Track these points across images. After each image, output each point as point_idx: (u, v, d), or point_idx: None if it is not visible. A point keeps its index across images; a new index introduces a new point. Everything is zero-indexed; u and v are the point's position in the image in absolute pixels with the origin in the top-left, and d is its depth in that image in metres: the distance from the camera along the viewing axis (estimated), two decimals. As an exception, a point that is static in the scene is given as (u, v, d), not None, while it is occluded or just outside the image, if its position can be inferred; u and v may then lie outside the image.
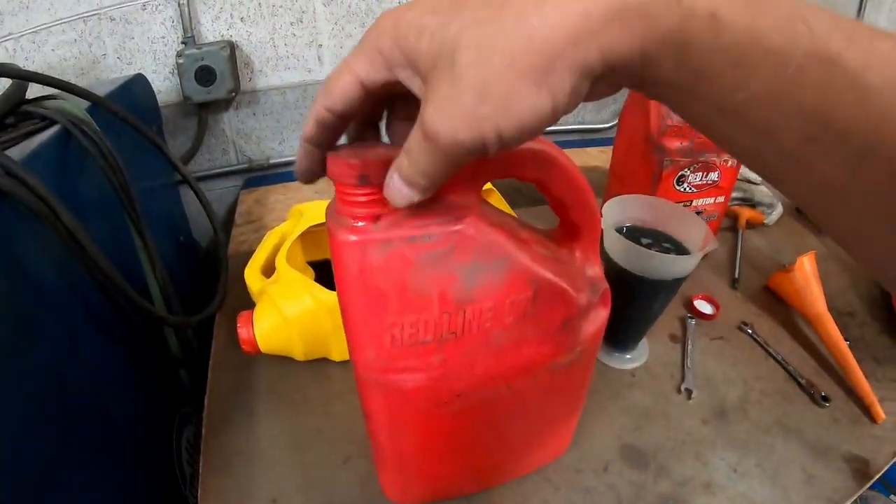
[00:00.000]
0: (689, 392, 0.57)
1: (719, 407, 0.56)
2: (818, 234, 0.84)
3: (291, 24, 0.90)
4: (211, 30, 0.87)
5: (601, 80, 0.19)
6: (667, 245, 0.54)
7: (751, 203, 0.83)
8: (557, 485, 0.47)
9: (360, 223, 0.26)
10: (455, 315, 0.30)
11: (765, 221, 0.81)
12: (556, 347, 0.35)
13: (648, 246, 0.54)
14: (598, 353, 0.41)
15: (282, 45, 0.91)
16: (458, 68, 0.18)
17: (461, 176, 0.27)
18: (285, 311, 0.51)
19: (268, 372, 0.56)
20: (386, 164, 0.23)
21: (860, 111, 0.17)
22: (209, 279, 0.70)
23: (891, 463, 0.55)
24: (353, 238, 0.26)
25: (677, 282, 0.52)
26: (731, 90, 0.18)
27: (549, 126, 0.19)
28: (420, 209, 0.26)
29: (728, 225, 0.84)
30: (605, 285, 0.37)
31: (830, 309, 0.65)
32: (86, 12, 0.80)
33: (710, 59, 0.18)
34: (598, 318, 0.37)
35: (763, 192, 0.85)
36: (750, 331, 0.65)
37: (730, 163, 0.65)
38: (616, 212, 0.54)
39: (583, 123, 1.20)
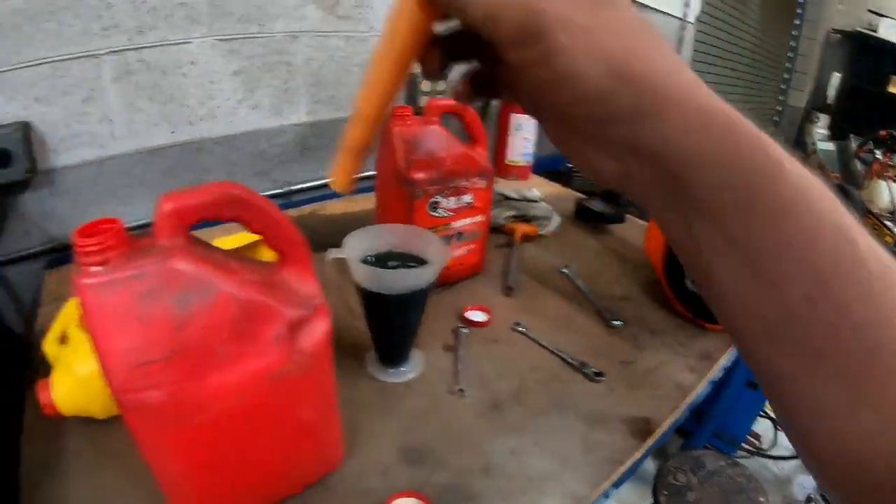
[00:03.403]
0: (461, 391, 0.62)
1: (493, 401, 0.62)
2: (594, 235, 0.97)
3: (83, 101, 0.91)
4: (7, 110, 0.86)
5: None
6: (412, 264, 0.61)
7: (526, 219, 0.94)
8: (343, 494, 0.49)
9: (93, 268, 0.33)
10: (176, 335, 0.35)
11: (540, 233, 0.92)
12: (273, 357, 0.40)
13: (395, 267, 0.60)
14: (331, 363, 0.45)
15: (74, 124, 0.91)
16: None
17: (168, 223, 0.35)
18: (77, 372, 0.53)
19: (76, 435, 0.56)
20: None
21: (857, 288, 0.20)
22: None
23: (674, 417, 0.62)
24: (88, 281, 0.33)
25: (421, 293, 0.58)
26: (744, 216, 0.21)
27: None
28: (136, 254, 0.34)
29: (506, 241, 0.93)
30: (319, 300, 0.43)
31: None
32: None
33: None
34: (318, 328, 0.42)
35: (542, 207, 0.96)
36: (523, 329, 0.72)
37: (479, 184, 0.74)
38: (359, 242, 0.59)
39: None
